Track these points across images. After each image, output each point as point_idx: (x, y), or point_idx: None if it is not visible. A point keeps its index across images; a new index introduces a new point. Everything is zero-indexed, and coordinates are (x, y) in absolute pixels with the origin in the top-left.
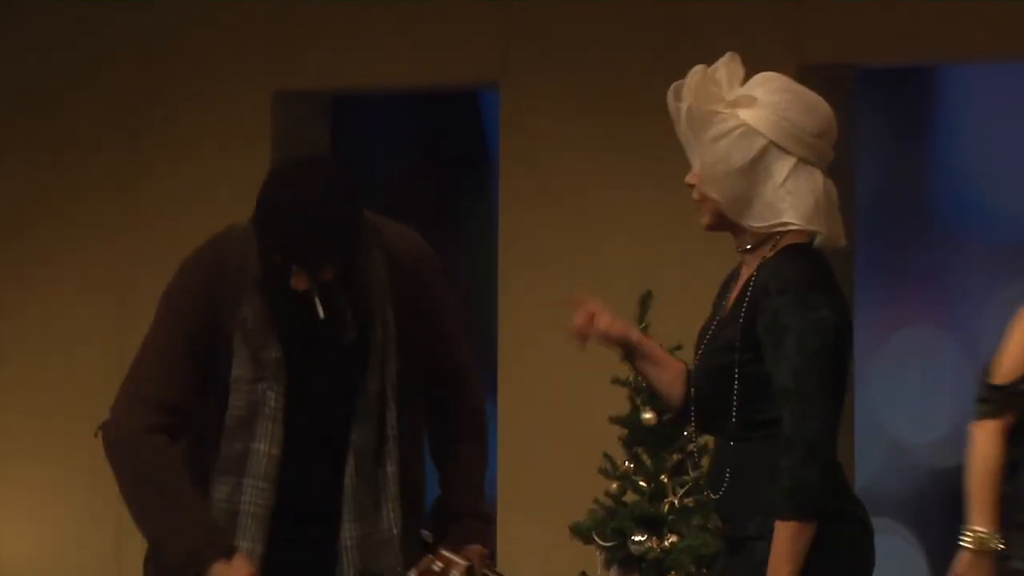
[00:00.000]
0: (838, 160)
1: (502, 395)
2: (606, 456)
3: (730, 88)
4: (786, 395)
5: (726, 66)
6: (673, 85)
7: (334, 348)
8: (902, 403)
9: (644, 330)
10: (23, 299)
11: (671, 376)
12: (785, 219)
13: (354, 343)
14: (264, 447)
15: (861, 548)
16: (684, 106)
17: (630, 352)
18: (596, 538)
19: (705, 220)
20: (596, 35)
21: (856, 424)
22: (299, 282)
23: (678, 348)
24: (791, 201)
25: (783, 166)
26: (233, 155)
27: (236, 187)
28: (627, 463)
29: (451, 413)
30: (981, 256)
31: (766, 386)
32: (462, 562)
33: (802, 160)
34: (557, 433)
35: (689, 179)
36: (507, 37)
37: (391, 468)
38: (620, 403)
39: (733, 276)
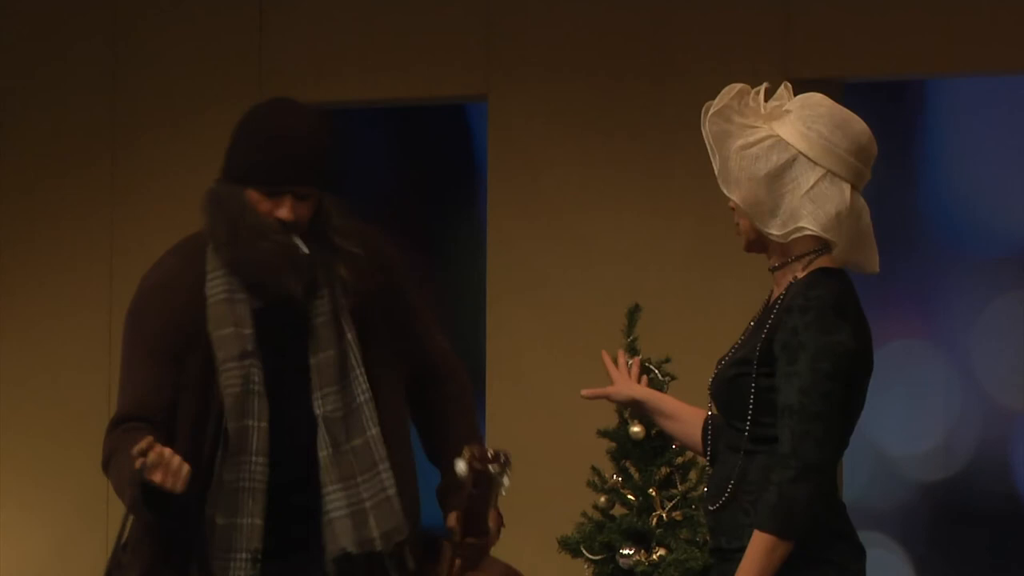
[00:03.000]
0: None
1: (490, 409)
2: (594, 469)
3: (767, 105)
4: (789, 412)
5: (775, 89)
6: (707, 104)
7: (300, 316)
8: (889, 416)
9: (632, 343)
10: (9, 318)
11: (688, 427)
12: (802, 224)
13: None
14: (255, 423)
15: (853, 569)
16: (712, 115)
17: (642, 409)
18: (584, 552)
19: (742, 241)
20: (585, 50)
21: None
22: (285, 210)
23: (666, 361)
24: (811, 208)
25: (810, 177)
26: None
27: None
28: (615, 476)
29: (436, 398)
30: (969, 269)
31: (776, 402)
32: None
33: (832, 173)
34: (545, 447)
35: (732, 203)
36: (495, 51)
37: (373, 431)
38: (608, 416)
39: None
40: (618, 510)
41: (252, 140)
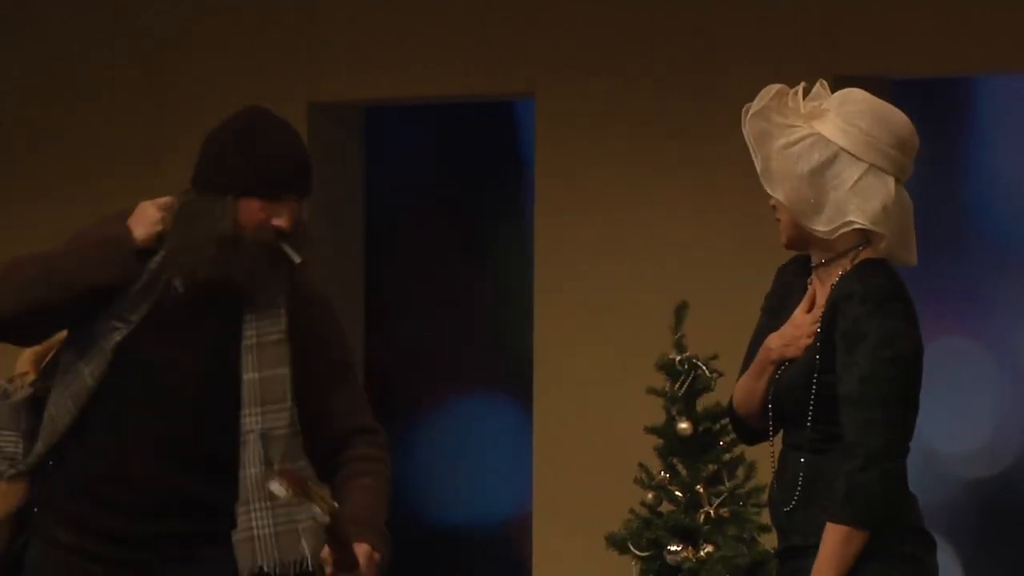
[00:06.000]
0: None
1: (538, 407)
2: (641, 466)
3: (806, 104)
4: (851, 401)
5: (812, 87)
6: (746, 106)
7: None
8: (937, 414)
9: (680, 340)
10: None
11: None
12: (850, 218)
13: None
14: None
15: (928, 563)
16: (751, 116)
17: None
18: (631, 548)
19: (782, 238)
20: (632, 48)
21: None
22: (284, 218)
23: (714, 358)
24: (857, 203)
25: (854, 171)
26: None
27: None
28: (662, 473)
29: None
30: (1017, 266)
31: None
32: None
33: (875, 167)
34: (592, 443)
35: (773, 201)
36: (544, 48)
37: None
38: (655, 413)
39: (792, 289)
40: (665, 507)
41: (248, 148)
